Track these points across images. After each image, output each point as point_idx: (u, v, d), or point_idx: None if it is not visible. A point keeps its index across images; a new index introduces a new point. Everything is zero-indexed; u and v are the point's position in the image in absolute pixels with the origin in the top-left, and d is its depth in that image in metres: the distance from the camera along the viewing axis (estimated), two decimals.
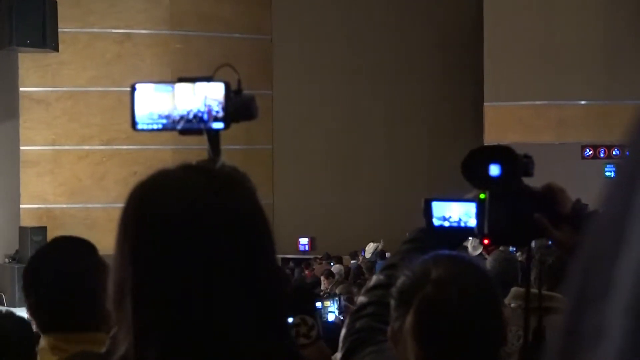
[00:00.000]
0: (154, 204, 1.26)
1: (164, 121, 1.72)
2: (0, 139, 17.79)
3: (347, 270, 14.91)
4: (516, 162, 1.97)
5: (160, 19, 18.87)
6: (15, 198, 18.20)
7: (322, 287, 12.68)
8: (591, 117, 17.32)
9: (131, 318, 1.21)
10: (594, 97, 17.37)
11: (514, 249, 6.26)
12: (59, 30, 15.84)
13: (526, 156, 2.01)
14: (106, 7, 18.53)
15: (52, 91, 18.54)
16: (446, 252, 1.83)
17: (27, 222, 17.77)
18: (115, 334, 1.28)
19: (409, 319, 1.70)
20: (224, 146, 1.69)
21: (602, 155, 17.20)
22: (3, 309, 3.27)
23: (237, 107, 1.70)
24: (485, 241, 2.11)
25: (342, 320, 8.39)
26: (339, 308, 9.61)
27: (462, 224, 2.05)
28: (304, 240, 19.76)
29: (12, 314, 3.05)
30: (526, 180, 2.00)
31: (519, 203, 1.96)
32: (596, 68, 17.23)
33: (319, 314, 2.78)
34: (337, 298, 9.94)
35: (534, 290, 2.31)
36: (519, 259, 5.71)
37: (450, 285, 1.70)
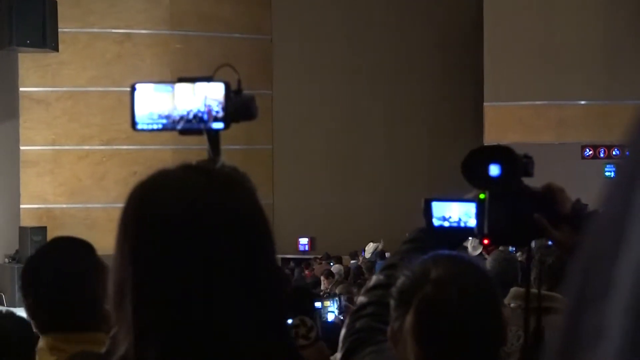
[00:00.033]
0: (154, 204, 1.26)
1: (164, 121, 1.72)
2: (0, 139, 17.80)
3: (347, 270, 14.90)
4: (516, 162, 1.97)
5: (160, 19, 18.87)
6: (15, 198, 18.20)
7: (322, 287, 12.68)
8: (591, 117, 17.32)
9: (131, 318, 1.21)
10: (594, 97, 17.38)
11: (514, 249, 6.26)
12: (59, 30, 15.84)
13: (526, 156, 2.01)
14: (106, 7, 18.54)
15: (52, 91, 18.54)
16: (446, 252, 1.83)
17: (27, 222, 17.77)
18: (115, 334, 1.28)
19: (409, 319, 1.70)
20: (224, 146, 1.69)
21: (602, 155, 17.20)
22: (3, 309, 3.27)
23: (237, 107, 1.70)
24: (485, 241, 2.11)
25: (342, 320, 8.39)
26: (339, 308, 9.61)
27: (462, 224, 2.05)
28: (303, 240, 19.77)
29: (12, 314, 3.05)
30: (526, 180, 2.00)
31: (518, 203, 1.96)
32: (596, 68, 17.24)
33: (318, 315, 2.78)
34: (337, 298, 9.93)
35: (534, 290, 2.31)
36: (519, 259, 5.71)
37: (450, 285, 1.70)
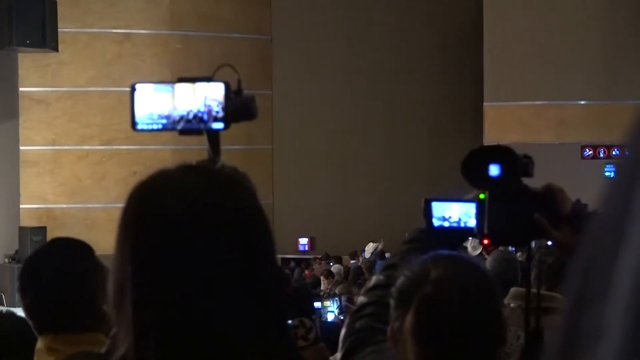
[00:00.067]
0: (154, 204, 1.26)
1: (164, 121, 1.72)
2: (0, 139, 17.79)
3: (347, 270, 14.91)
4: (516, 162, 1.97)
5: (160, 19, 18.87)
6: (15, 198, 18.20)
7: (322, 287, 12.68)
8: (591, 117, 17.32)
9: (131, 318, 1.21)
10: (593, 97, 17.38)
11: (514, 249, 6.26)
12: (59, 30, 15.84)
13: (526, 156, 2.01)
14: (106, 7, 18.53)
15: (52, 91, 18.54)
16: (445, 252, 1.83)
17: (27, 222, 17.77)
18: (115, 334, 1.28)
19: (409, 319, 1.71)
20: (224, 146, 1.69)
21: (601, 155, 17.20)
22: (3, 309, 3.26)
23: (237, 107, 1.70)
24: (485, 241, 2.11)
25: (341, 320, 8.38)
26: (340, 308, 9.61)
27: (462, 224, 2.05)
28: (303, 240, 19.77)
29: (12, 314, 3.04)
30: (526, 181, 2.00)
31: (518, 203, 1.97)
32: (596, 68, 17.24)
33: (317, 316, 2.78)
34: (337, 298, 9.94)
35: (533, 290, 2.31)
36: (519, 259, 5.71)
37: (450, 285, 1.70)
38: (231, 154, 1.69)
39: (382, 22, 19.78)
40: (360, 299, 2.15)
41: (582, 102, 17.56)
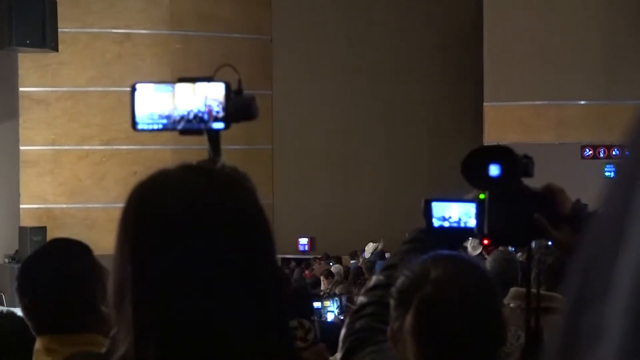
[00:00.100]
0: (154, 204, 1.26)
1: (164, 121, 1.72)
2: (0, 139, 17.79)
3: (347, 270, 14.91)
4: (516, 162, 1.97)
5: (160, 19, 18.87)
6: (15, 198, 18.20)
7: (322, 287, 12.68)
8: (591, 117, 17.32)
9: (131, 318, 1.21)
10: (593, 97, 17.38)
11: (514, 249, 6.26)
12: (59, 30, 15.84)
13: (526, 157, 2.01)
14: (106, 7, 18.53)
15: (52, 91, 18.54)
16: (446, 252, 1.84)
17: (27, 222, 17.77)
18: (115, 334, 1.28)
19: (409, 319, 1.71)
20: (224, 146, 1.69)
21: (601, 155, 17.20)
22: (3, 309, 3.26)
23: (237, 107, 1.70)
24: (485, 241, 2.11)
25: (341, 320, 8.38)
26: (340, 308, 9.60)
27: (462, 225, 2.05)
28: (303, 240, 19.77)
29: (12, 314, 3.04)
30: (526, 181, 2.00)
31: (518, 203, 1.96)
32: (596, 68, 17.24)
33: (316, 317, 2.78)
34: (336, 298, 9.93)
35: (533, 290, 2.31)
36: (519, 259, 5.71)
37: (450, 285, 1.70)
38: (231, 154, 1.69)
39: (382, 22, 19.78)
40: (360, 299, 2.15)
41: (582, 102, 17.56)
